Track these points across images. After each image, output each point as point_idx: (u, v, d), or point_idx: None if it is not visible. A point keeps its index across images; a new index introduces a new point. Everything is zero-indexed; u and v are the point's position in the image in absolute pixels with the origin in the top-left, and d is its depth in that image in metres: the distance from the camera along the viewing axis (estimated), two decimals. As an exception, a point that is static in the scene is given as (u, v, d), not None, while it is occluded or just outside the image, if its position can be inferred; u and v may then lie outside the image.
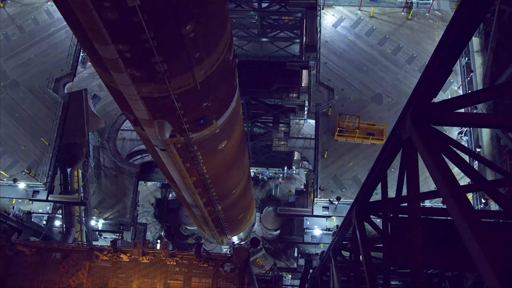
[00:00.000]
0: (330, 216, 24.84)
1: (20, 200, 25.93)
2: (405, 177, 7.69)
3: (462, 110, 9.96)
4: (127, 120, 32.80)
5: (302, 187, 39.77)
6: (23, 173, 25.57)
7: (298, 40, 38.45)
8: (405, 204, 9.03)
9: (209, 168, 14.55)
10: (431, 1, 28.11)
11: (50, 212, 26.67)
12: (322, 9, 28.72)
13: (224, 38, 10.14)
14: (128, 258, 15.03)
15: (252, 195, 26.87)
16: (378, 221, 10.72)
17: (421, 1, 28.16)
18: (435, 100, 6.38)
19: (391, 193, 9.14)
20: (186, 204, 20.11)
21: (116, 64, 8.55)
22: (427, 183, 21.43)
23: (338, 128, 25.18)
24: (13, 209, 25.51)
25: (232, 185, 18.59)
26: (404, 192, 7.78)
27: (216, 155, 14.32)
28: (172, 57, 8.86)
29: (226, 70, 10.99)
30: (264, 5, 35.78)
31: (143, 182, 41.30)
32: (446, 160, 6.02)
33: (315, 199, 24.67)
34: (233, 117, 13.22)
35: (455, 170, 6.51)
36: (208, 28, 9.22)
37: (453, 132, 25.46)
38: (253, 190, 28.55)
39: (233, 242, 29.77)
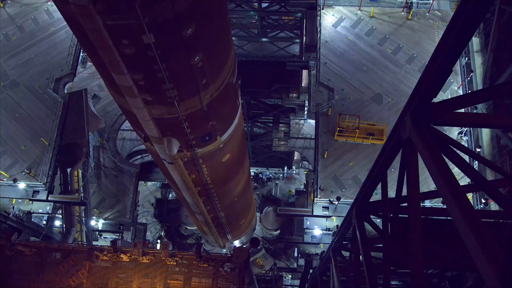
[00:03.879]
0: (330, 216, 24.84)
1: (20, 200, 25.92)
2: (405, 177, 7.69)
3: (462, 110, 9.95)
4: (127, 120, 32.86)
5: (302, 187, 39.76)
6: (23, 173, 25.57)
7: (298, 40, 38.42)
8: (405, 204, 9.04)
9: (212, 178, 15.55)
10: (431, 1, 28.11)
11: (50, 212, 26.66)
12: (322, 9, 28.72)
13: (228, 64, 11.10)
14: (128, 258, 15.03)
15: (253, 200, 27.31)
16: (378, 221, 10.72)
17: (421, 1, 28.15)
18: (435, 100, 6.38)
19: (391, 193, 9.14)
20: (190, 211, 20.91)
21: (130, 91, 9.46)
22: (427, 183, 21.42)
23: (338, 128, 25.19)
24: (13, 209, 25.51)
25: (234, 192, 19.44)
26: (404, 192, 7.79)
27: (219, 167, 15.30)
28: (181, 84, 9.83)
29: (230, 92, 11.98)
30: (264, 5, 35.73)
31: (143, 182, 41.27)
32: (446, 160, 6.02)
33: (315, 199, 24.67)
34: (236, 132, 14.30)
35: (455, 170, 6.51)
36: (214, 57, 10.19)
37: (453, 132, 25.45)
38: (254, 195, 28.82)
39: (235, 246, 29.82)
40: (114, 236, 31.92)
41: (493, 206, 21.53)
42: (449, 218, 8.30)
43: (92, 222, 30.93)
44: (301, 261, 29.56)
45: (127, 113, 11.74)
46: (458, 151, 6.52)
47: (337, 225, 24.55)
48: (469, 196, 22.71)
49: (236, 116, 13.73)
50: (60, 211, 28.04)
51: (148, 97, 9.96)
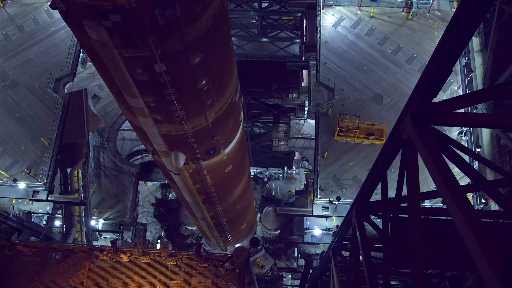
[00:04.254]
0: (330, 216, 24.84)
1: (20, 200, 25.92)
2: (405, 177, 7.69)
3: (462, 110, 9.96)
4: (127, 120, 32.85)
5: (302, 187, 39.76)
6: (23, 173, 25.58)
7: (298, 40, 38.44)
8: (405, 204, 9.04)
9: (216, 187, 16.42)
10: (431, 1, 28.10)
11: (50, 212, 26.66)
12: (322, 9, 28.71)
13: (231, 85, 11.99)
14: (128, 258, 15.03)
15: (253, 206, 27.79)
16: (378, 221, 10.72)
17: (421, 1, 28.15)
18: (435, 100, 6.37)
19: (391, 193, 9.14)
20: (193, 216, 21.66)
21: (142, 112, 10.30)
22: (427, 183, 21.42)
23: (338, 128, 25.18)
24: (13, 209, 25.51)
25: (236, 200, 20.31)
26: (404, 192, 7.78)
27: (222, 177, 16.19)
28: (188, 105, 10.69)
29: (233, 109, 12.94)
30: (264, 5, 35.75)
31: (143, 182, 41.28)
32: (446, 160, 6.02)
33: (315, 199, 24.67)
34: (238, 145, 15.21)
35: (455, 170, 6.51)
36: (219, 80, 11.07)
37: (453, 132, 25.45)
38: (254, 201, 29.37)
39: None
40: (114, 236, 31.92)
41: (493, 206, 21.52)
42: (449, 218, 8.30)
43: (92, 222, 30.93)
44: (301, 261, 29.55)
45: (137, 129, 12.56)
46: (458, 151, 6.52)
47: (337, 225, 24.54)
48: (469, 196, 22.70)
49: (239, 130, 14.71)
50: (60, 211, 28.04)
51: (158, 117, 10.81)
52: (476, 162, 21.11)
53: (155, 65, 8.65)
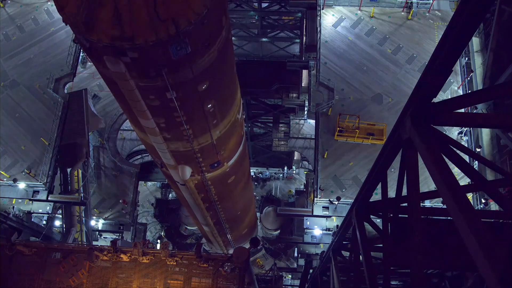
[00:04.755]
0: (330, 216, 24.84)
1: (20, 200, 25.92)
2: (405, 177, 7.68)
3: (462, 110, 9.96)
4: (127, 120, 32.86)
5: (302, 187, 39.76)
6: (23, 173, 25.57)
7: (298, 40, 38.42)
8: (405, 204, 9.03)
9: (219, 196, 17.40)
10: (431, 1, 28.10)
11: (50, 212, 26.67)
12: (322, 9, 28.72)
13: (234, 105, 13.00)
14: (128, 258, 15.03)
15: (254, 212, 28.44)
16: (378, 221, 10.72)
17: (421, 1, 28.15)
18: (435, 100, 6.37)
19: (391, 193, 9.14)
20: (197, 222, 22.51)
21: (153, 131, 11.26)
22: (427, 183, 21.43)
23: (338, 128, 25.18)
24: (13, 209, 25.51)
25: (238, 207, 21.44)
26: (404, 192, 7.78)
27: (225, 187, 17.23)
28: (195, 125, 11.63)
29: (236, 127, 13.94)
30: (264, 5, 35.73)
31: (143, 182, 41.28)
32: (446, 160, 6.02)
33: (315, 199, 24.67)
34: (240, 157, 16.21)
35: (455, 170, 6.51)
36: (223, 102, 12.09)
37: (453, 132, 25.45)
38: (255, 207, 29.95)
39: None
40: (114, 236, 31.91)
41: (493, 206, 21.53)
42: (449, 218, 8.30)
43: (92, 222, 30.92)
44: (301, 261, 29.56)
45: (147, 144, 13.56)
46: (458, 151, 6.52)
47: (337, 225, 24.55)
48: (469, 196, 22.71)
49: (241, 143, 15.71)
50: (60, 211, 28.04)
51: (167, 135, 11.79)
52: (476, 162, 21.11)
53: (167, 93, 9.59)
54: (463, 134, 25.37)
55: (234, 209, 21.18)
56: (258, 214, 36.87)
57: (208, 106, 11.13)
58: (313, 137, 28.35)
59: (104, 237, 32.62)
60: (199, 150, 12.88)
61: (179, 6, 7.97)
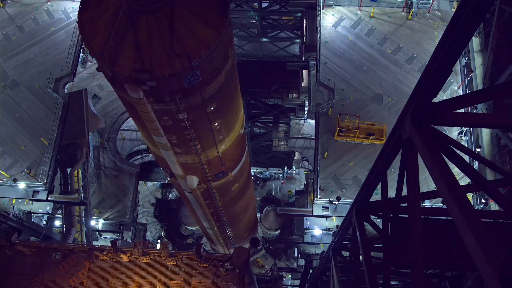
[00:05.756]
0: (330, 216, 24.84)
1: (20, 200, 25.91)
2: (405, 177, 7.69)
3: (462, 110, 9.96)
4: (127, 120, 32.90)
5: (302, 187, 39.74)
6: (23, 173, 25.57)
7: (298, 40, 38.42)
8: (405, 204, 9.04)
9: (223, 202, 18.59)
10: (431, 1, 28.09)
11: (50, 212, 26.65)
12: (322, 9, 28.71)
13: (238, 121, 14.23)
14: (128, 258, 15.03)
15: (255, 216, 29.15)
16: (378, 221, 10.73)
17: (421, 1, 28.14)
18: (435, 100, 6.37)
19: (391, 193, 9.14)
20: (202, 227, 23.61)
21: (165, 146, 12.49)
22: (427, 183, 21.42)
23: (338, 128, 25.18)
24: (13, 209, 25.50)
25: (240, 212, 22.58)
26: (404, 192, 7.78)
27: (229, 194, 18.38)
28: (203, 141, 12.80)
29: (239, 140, 15.16)
30: (264, 5, 35.73)
31: (143, 182, 41.26)
32: (446, 160, 6.02)
33: (315, 199, 24.67)
34: (243, 166, 17.36)
35: (455, 170, 6.51)
36: (229, 120, 13.32)
37: (453, 132, 25.45)
38: (256, 211, 30.68)
39: None
40: (114, 236, 31.91)
41: (493, 206, 21.52)
42: (449, 218, 8.30)
43: (92, 222, 30.91)
44: (301, 261, 29.56)
45: (158, 157, 14.69)
46: (458, 151, 6.52)
47: (337, 225, 24.54)
48: (469, 196, 22.70)
49: (244, 154, 16.88)
50: (60, 211, 28.03)
51: (178, 150, 13.00)
52: (476, 162, 21.11)
53: (179, 114, 10.79)
54: (463, 134, 25.36)
55: (236, 214, 22.40)
56: (258, 214, 36.87)
57: (215, 124, 12.38)
58: (313, 137, 28.35)
59: (104, 237, 32.61)
60: (206, 162, 14.08)
61: (192, 42, 9.16)
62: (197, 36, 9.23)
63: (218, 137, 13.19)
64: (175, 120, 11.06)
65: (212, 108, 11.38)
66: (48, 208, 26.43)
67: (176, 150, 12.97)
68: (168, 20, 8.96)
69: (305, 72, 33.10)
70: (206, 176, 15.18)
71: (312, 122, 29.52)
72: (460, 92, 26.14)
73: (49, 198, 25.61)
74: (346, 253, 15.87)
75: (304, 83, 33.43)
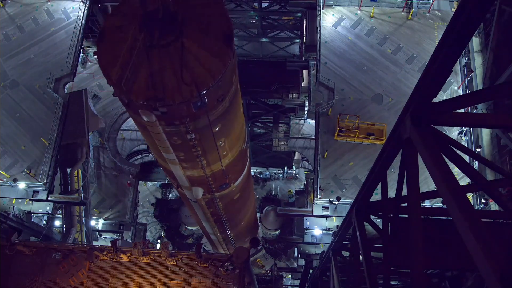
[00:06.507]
0: (330, 216, 24.82)
1: (20, 200, 25.89)
2: (405, 177, 7.69)
3: (462, 110, 9.96)
4: (127, 120, 32.94)
5: (302, 187, 39.76)
6: (23, 173, 25.56)
7: (298, 40, 38.43)
8: (405, 204, 9.03)
9: (226, 210, 19.75)
10: (431, 1, 28.09)
11: (50, 212, 26.62)
12: (322, 9, 28.70)
13: (241, 138, 15.35)
14: (128, 258, 15.02)
15: (256, 221, 30.11)
16: (378, 221, 10.72)
17: (421, 1, 28.13)
18: (435, 100, 6.37)
19: (391, 193, 9.14)
20: (205, 232, 24.68)
21: (174, 161, 13.57)
22: (427, 183, 21.41)
23: (338, 128, 25.17)
24: (13, 209, 25.48)
25: (241, 218, 23.82)
26: (404, 192, 7.78)
27: (231, 202, 19.51)
28: (209, 157, 13.85)
29: (242, 155, 16.30)
30: (264, 5, 35.74)
31: (143, 182, 41.26)
32: (446, 160, 6.02)
33: (315, 199, 24.66)
34: (245, 178, 18.55)
35: (455, 170, 6.51)
36: (232, 138, 14.40)
37: (453, 132, 25.44)
38: (257, 216, 31.25)
39: None
40: (114, 236, 31.91)
41: (493, 206, 21.52)
42: (449, 218, 8.30)
43: (92, 222, 30.93)
44: (301, 261, 29.54)
45: (167, 170, 15.86)
46: (458, 151, 6.52)
47: (337, 225, 24.53)
48: (469, 196, 22.69)
49: (246, 167, 18.01)
50: (60, 211, 28.03)
51: (185, 165, 14.14)
52: (476, 162, 21.10)
53: (187, 135, 11.84)
54: (463, 134, 25.36)
55: (238, 220, 23.61)
56: (258, 214, 36.88)
57: (220, 142, 13.50)
58: (313, 137, 28.35)
59: (104, 237, 32.62)
60: (211, 175, 15.22)
61: (201, 73, 10.13)
62: (205, 67, 10.17)
63: (222, 153, 14.35)
64: (183, 140, 12.17)
65: (217, 128, 12.51)
66: (48, 208, 26.40)
67: (183, 165, 14.11)
68: (179, 53, 9.87)
69: (305, 72, 33.13)
70: (211, 188, 16.39)
71: (312, 122, 29.53)
72: (460, 92, 26.12)
73: (49, 198, 25.59)
74: (346, 253, 15.86)
75: (304, 83, 33.46)
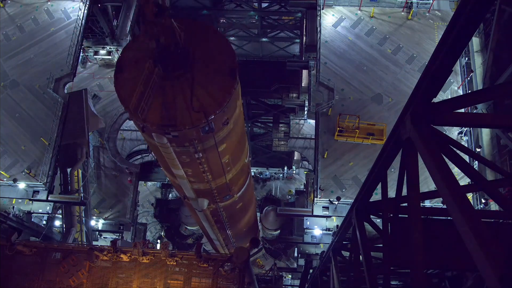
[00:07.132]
0: (330, 216, 24.82)
1: (20, 200, 25.89)
2: (405, 177, 7.68)
3: (462, 110, 9.95)
4: (127, 120, 32.91)
5: (302, 187, 39.74)
6: (23, 173, 25.56)
7: (298, 40, 38.45)
8: (405, 204, 9.03)
9: (229, 218, 21.11)
10: (431, 1, 28.09)
11: (50, 212, 26.62)
12: (322, 9, 28.70)
13: (243, 154, 16.52)
14: (128, 258, 15.02)
15: (256, 222, 30.87)
16: (378, 221, 10.72)
17: (421, 1, 28.13)
18: (435, 100, 6.37)
19: (391, 193, 9.14)
20: (208, 237, 25.61)
21: (182, 176, 14.82)
22: (427, 183, 21.41)
23: (338, 128, 25.17)
24: (13, 209, 25.47)
25: (243, 225, 24.88)
26: (404, 192, 7.78)
27: (234, 211, 20.79)
28: (214, 172, 15.13)
29: (244, 169, 17.69)
30: (264, 5, 35.76)
31: (143, 182, 41.25)
32: (446, 160, 6.02)
33: (315, 199, 24.66)
34: (247, 189, 19.85)
35: (455, 170, 6.51)
36: (236, 154, 15.61)
37: (453, 132, 25.44)
38: (258, 223, 32.10)
39: None
40: (114, 236, 31.90)
41: (493, 206, 21.52)
42: (449, 218, 8.30)
43: (92, 222, 30.92)
44: (301, 261, 29.54)
45: (175, 183, 16.97)
46: (458, 151, 6.52)
47: (337, 225, 24.53)
48: (469, 196, 22.69)
49: (248, 179, 19.28)
50: (60, 211, 28.02)
51: (192, 179, 15.41)
52: (476, 162, 21.10)
53: (195, 154, 13.10)
54: (463, 134, 25.36)
55: (240, 227, 24.78)
56: (258, 214, 36.87)
57: (224, 159, 14.63)
58: (313, 137, 28.34)
59: (104, 237, 32.60)
60: (216, 188, 16.43)
61: (208, 101, 11.41)
62: (212, 96, 11.44)
63: (227, 168, 15.53)
64: (191, 158, 13.46)
65: (222, 147, 13.71)
66: (48, 208, 26.40)
67: (190, 180, 15.38)
68: (189, 85, 11.15)
69: (305, 72, 33.11)
70: (215, 199, 17.57)
71: (312, 122, 29.52)
72: (460, 92, 26.12)
73: (49, 198, 25.59)
74: (346, 253, 15.85)
75: (304, 83, 33.44)
